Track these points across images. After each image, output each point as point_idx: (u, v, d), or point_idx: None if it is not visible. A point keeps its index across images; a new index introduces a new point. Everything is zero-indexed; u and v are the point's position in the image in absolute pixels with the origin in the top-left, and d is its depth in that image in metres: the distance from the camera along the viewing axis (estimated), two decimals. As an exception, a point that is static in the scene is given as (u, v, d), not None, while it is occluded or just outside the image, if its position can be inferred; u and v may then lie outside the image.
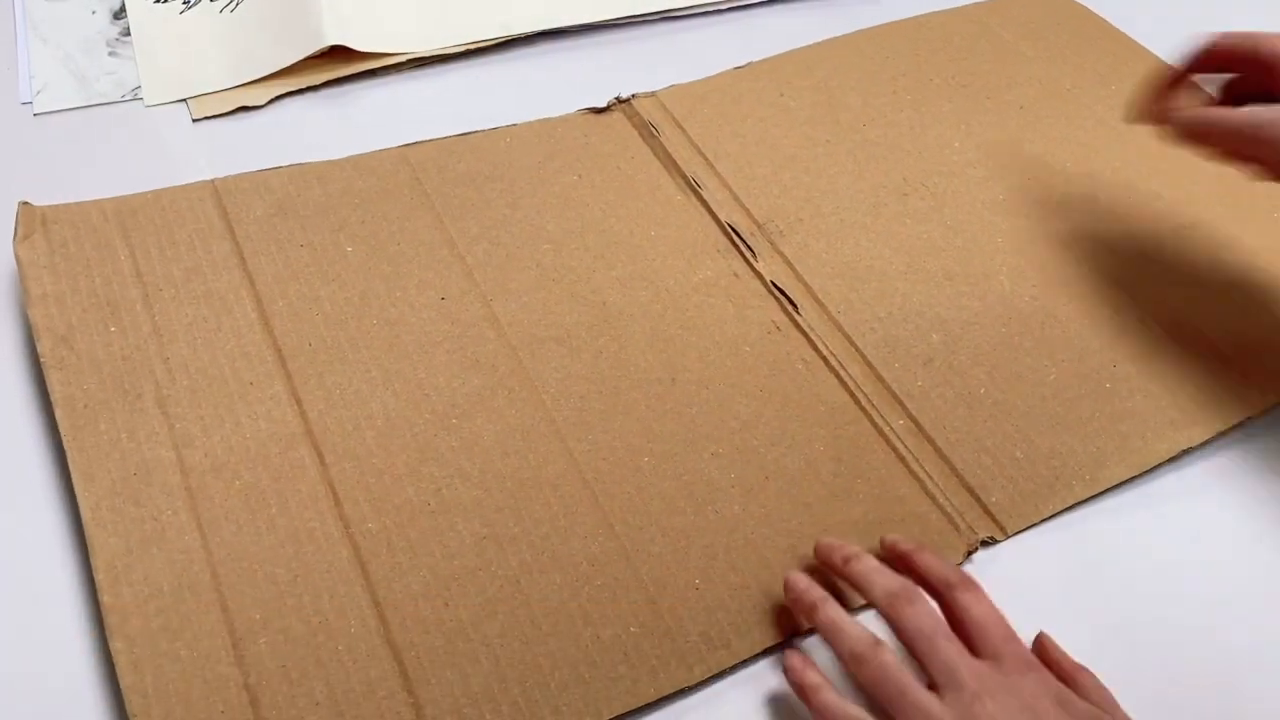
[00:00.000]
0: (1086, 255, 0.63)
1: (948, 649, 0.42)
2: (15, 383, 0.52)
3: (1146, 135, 0.70)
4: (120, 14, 0.72)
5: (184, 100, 0.68)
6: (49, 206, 0.57)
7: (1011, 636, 0.43)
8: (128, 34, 0.70)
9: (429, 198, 0.62)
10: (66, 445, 0.48)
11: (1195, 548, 0.52)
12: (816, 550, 0.48)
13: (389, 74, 0.71)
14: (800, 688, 0.43)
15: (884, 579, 0.45)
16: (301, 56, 0.69)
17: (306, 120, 0.68)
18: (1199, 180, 0.67)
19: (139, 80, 0.68)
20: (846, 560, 0.46)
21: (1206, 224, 0.65)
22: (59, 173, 0.63)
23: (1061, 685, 0.42)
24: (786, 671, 0.44)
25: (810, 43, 0.75)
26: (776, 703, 0.45)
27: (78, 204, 0.58)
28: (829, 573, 0.48)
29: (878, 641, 0.42)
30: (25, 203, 0.56)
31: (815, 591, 0.46)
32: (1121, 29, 0.78)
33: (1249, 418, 0.56)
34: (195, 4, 0.73)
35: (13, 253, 0.55)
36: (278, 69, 0.69)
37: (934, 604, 0.44)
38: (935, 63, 0.74)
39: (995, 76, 0.74)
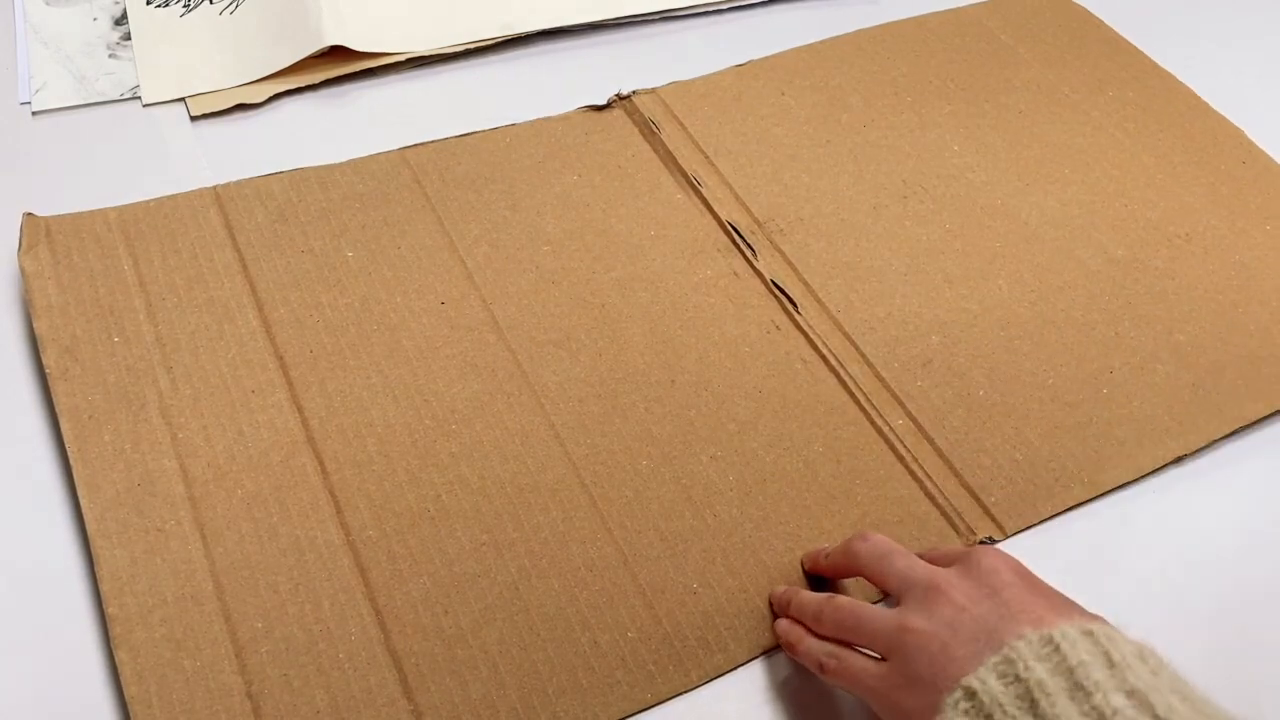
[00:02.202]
0: (1084, 261, 0.62)
1: (901, 562, 0.43)
2: (20, 393, 0.52)
3: (1142, 144, 0.70)
4: (121, 20, 0.72)
5: (182, 99, 0.68)
6: (53, 217, 0.58)
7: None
8: (128, 39, 0.71)
9: (429, 201, 0.62)
10: (71, 456, 0.49)
11: (1191, 551, 0.52)
12: (802, 563, 0.50)
13: (388, 73, 0.71)
14: (787, 644, 0.45)
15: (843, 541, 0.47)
16: (301, 56, 0.69)
17: (305, 119, 0.68)
18: (1194, 190, 0.67)
19: (138, 80, 0.69)
20: (828, 555, 0.48)
21: (1201, 234, 0.64)
22: (57, 171, 0.63)
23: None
24: (777, 636, 0.46)
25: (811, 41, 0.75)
26: (775, 704, 0.46)
27: (82, 214, 0.58)
28: (817, 573, 0.49)
29: (830, 596, 0.44)
30: (30, 214, 0.57)
31: (790, 590, 0.47)
32: (1118, 31, 0.78)
33: (1244, 426, 0.56)
34: (195, 7, 0.73)
35: (14, 260, 0.56)
36: (277, 69, 0.69)
37: (887, 537, 0.45)
38: (935, 64, 0.74)
39: (994, 80, 0.73)
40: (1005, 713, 0.36)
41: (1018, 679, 0.36)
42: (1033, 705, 0.35)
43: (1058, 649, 0.37)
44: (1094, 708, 0.35)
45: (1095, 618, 0.40)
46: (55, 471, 0.50)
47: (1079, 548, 0.52)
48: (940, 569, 0.42)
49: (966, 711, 0.36)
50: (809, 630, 0.45)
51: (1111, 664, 0.36)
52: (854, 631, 0.42)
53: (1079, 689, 0.36)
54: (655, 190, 0.64)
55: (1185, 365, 0.58)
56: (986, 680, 0.37)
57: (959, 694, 0.37)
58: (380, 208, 0.61)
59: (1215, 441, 0.55)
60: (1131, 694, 0.35)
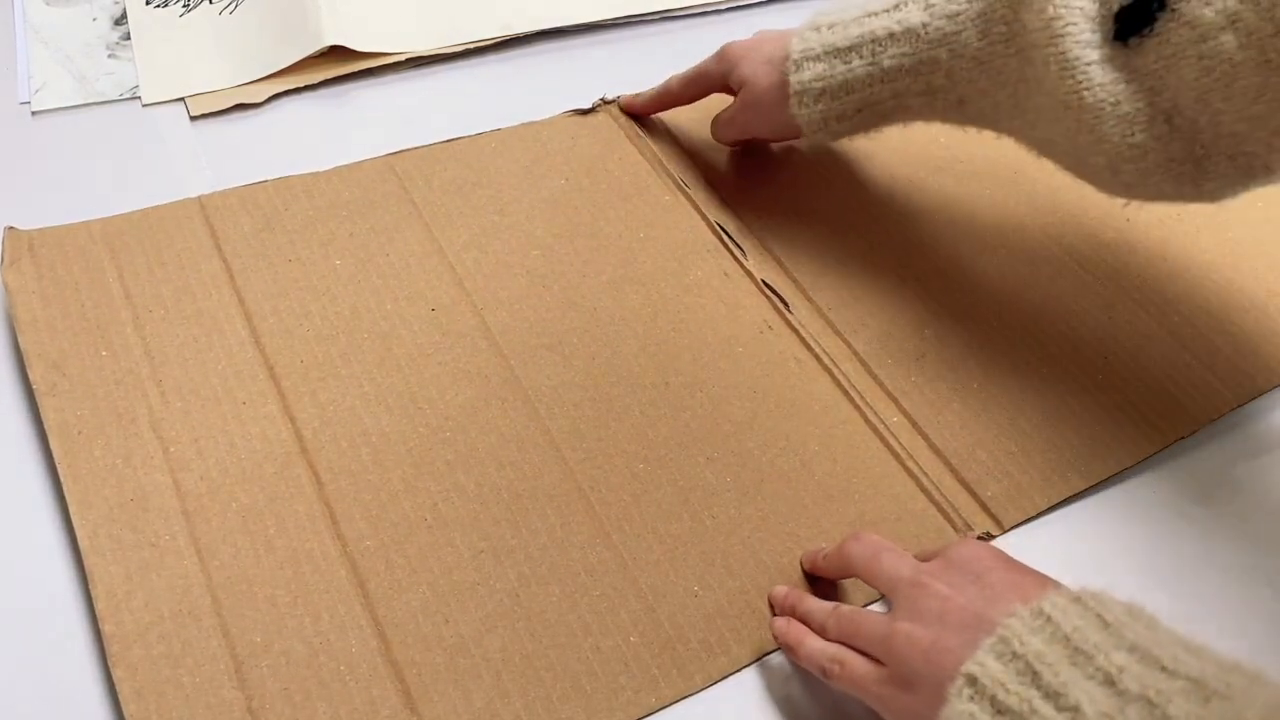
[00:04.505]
0: (1075, 247, 0.63)
1: (888, 560, 0.44)
2: (8, 409, 0.52)
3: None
4: (121, 20, 0.72)
5: (182, 99, 0.68)
6: (35, 231, 0.57)
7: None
8: (128, 38, 0.71)
9: (416, 207, 0.62)
10: (62, 473, 0.48)
11: (1192, 534, 0.52)
12: (802, 563, 0.49)
13: (387, 73, 0.71)
14: (788, 647, 0.45)
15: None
16: (301, 57, 0.69)
17: (305, 119, 0.68)
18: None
19: (138, 80, 0.68)
20: (826, 556, 0.48)
21: (1192, 214, 0.65)
22: (57, 171, 0.63)
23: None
24: (776, 637, 0.46)
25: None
26: (779, 706, 0.46)
27: (65, 227, 0.58)
28: (816, 574, 0.49)
29: (835, 606, 0.44)
30: (11, 228, 0.56)
31: (794, 593, 0.47)
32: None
33: (1240, 406, 0.56)
34: (195, 7, 0.73)
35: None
36: (277, 69, 0.69)
37: (878, 537, 0.46)
38: None
39: None
40: (1009, 690, 0.36)
41: (1015, 655, 0.36)
42: (1035, 677, 0.36)
43: (1049, 619, 0.37)
44: (1098, 669, 0.35)
45: (1081, 590, 0.40)
46: (46, 488, 0.49)
47: (1079, 538, 0.52)
48: (924, 564, 0.43)
49: (971, 698, 0.36)
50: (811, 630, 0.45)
51: (1106, 625, 0.37)
52: (853, 637, 0.43)
53: (1079, 653, 0.36)
54: (643, 193, 0.64)
55: (1180, 346, 0.58)
56: (985, 663, 0.37)
57: (961, 682, 0.37)
58: (367, 215, 0.61)
59: (1212, 424, 0.55)
60: (1133, 650, 0.35)
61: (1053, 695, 0.35)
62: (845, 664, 0.42)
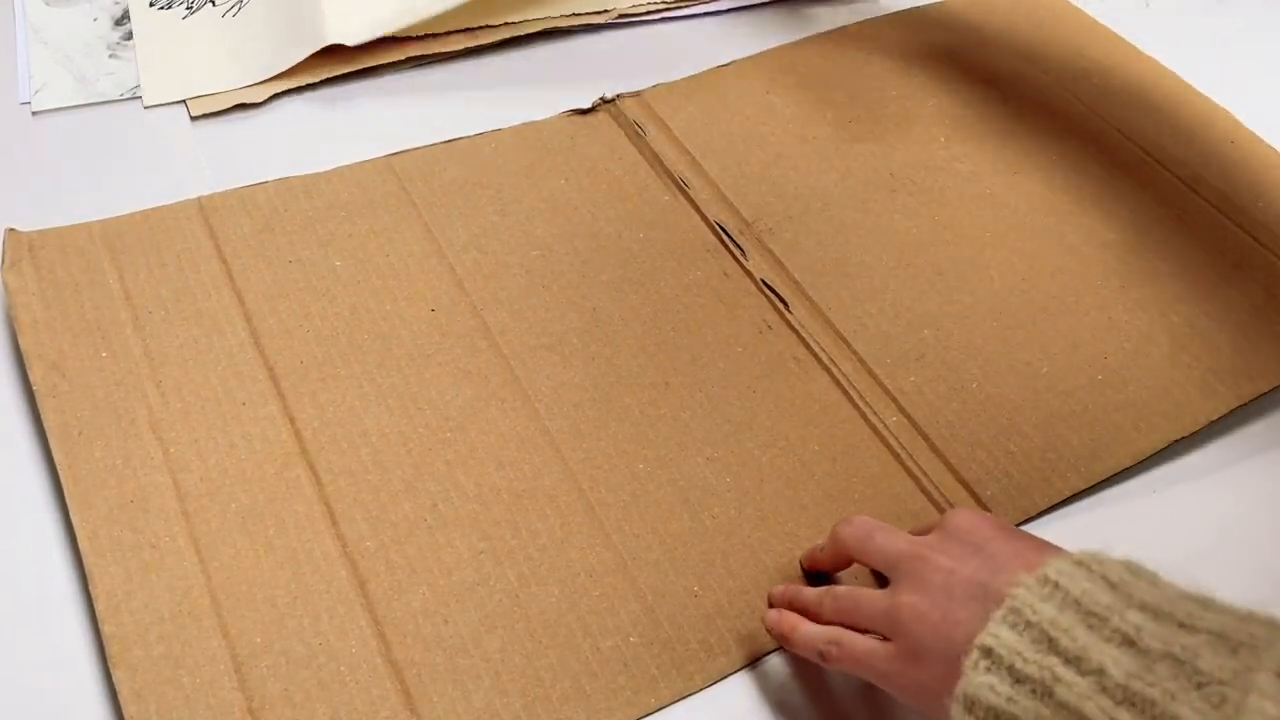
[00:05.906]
0: (1075, 246, 0.63)
1: (881, 538, 0.43)
2: (8, 410, 0.52)
3: (1129, 128, 0.70)
4: (121, 20, 0.73)
5: (182, 100, 0.68)
6: (35, 232, 0.57)
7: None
8: (128, 39, 0.72)
9: (416, 207, 0.62)
10: (61, 474, 0.48)
11: (1192, 534, 0.52)
12: (801, 562, 0.49)
13: (387, 73, 0.71)
14: (781, 636, 0.44)
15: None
16: (304, 57, 0.69)
17: (305, 119, 0.68)
18: (1183, 171, 0.67)
19: (138, 80, 0.69)
20: (822, 548, 0.48)
21: (1192, 214, 0.65)
22: (57, 171, 0.63)
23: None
24: (769, 630, 0.45)
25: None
26: (779, 706, 0.46)
27: (65, 228, 0.58)
28: (816, 570, 0.49)
29: (829, 589, 0.44)
30: (11, 229, 0.56)
31: (790, 589, 0.46)
32: (1099, 20, 0.78)
33: (1240, 405, 0.56)
34: (199, 9, 0.73)
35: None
36: (279, 71, 0.69)
37: (869, 517, 0.45)
38: (919, 58, 0.74)
39: (978, 71, 0.74)
40: (1027, 660, 0.35)
41: (1029, 624, 0.36)
42: (1052, 644, 0.35)
43: (1057, 586, 0.37)
44: (1115, 630, 0.35)
45: (1080, 552, 0.39)
46: (46, 489, 0.49)
47: (1078, 538, 0.51)
48: (920, 538, 0.42)
49: (988, 669, 0.36)
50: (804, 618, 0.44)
51: (1112, 586, 0.36)
52: (853, 615, 0.42)
53: (1092, 616, 0.35)
54: (643, 193, 0.64)
55: (1180, 347, 0.58)
56: (999, 634, 0.36)
57: (976, 654, 0.36)
58: (367, 216, 0.61)
59: (1212, 424, 0.55)
60: (1144, 609, 0.35)
61: (1074, 660, 0.35)
62: (843, 643, 0.41)
